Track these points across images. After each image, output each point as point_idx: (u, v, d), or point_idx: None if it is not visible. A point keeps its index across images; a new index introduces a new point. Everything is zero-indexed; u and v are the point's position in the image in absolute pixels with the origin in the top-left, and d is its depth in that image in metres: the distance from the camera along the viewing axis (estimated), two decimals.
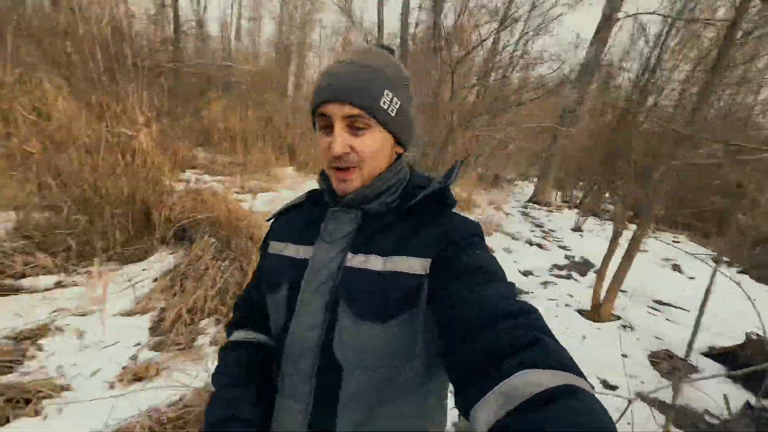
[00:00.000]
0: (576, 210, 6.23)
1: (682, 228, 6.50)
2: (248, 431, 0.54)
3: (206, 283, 2.05)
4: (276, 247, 0.61)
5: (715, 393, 2.01)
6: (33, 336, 1.60)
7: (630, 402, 1.12)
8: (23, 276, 2.04)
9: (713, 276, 1.10)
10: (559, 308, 2.91)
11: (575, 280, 3.69)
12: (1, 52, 2.84)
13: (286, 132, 6.86)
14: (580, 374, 0.32)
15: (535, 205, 7.32)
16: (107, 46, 2.69)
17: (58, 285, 2.06)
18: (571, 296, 3.12)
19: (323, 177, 0.60)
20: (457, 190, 5.28)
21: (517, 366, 0.33)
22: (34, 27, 3.58)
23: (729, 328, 2.84)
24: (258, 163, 5.23)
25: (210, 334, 1.88)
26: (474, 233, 0.53)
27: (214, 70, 7.38)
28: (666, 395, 2.12)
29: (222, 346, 0.64)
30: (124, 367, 1.56)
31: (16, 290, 1.95)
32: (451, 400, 0.50)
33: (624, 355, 2.38)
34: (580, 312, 2.87)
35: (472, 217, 3.82)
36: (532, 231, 5.31)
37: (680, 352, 2.52)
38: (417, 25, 10.34)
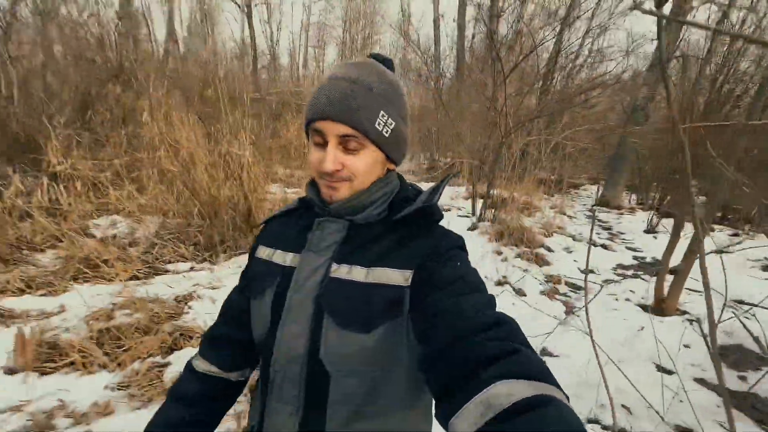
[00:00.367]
0: (652, 212, 5.91)
1: None
2: None
3: None
4: (264, 252, 0.63)
5: None
6: (184, 300, 2.24)
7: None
8: (169, 262, 2.76)
9: None
10: (618, 302, 2.97)
11: (643, 279, 3.63)
12: (152, 95, 3.82)
13: None
14: (555, 384, 0.34)
15: (604, 208, 7.03)
16: (216, 87, 3.48)
17: (191, 269, 2.75)
18: (633, 292, 3.13)
19: (312, 186, 0.61)
20: (515, 195, 5.40)
21: (494, 377, 0.34)
22: (172, 75, 4.66)
23: None
24: None
25: None
26: (455, 246, 0.55)
27: (287, 96, 8.42)
28: (733, 384, 2.13)
29: (189, 364, 0.67)
30: None
31: (166, 271, 2.66)
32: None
33: (686, 345, 2.40)
34: (642, 307, 2.89)
35: (530, 220, 3.99)
36: (598, 233, 5.20)
37: (754, 348, 2.45)
38: (474, 36, 10.63)
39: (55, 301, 1.99)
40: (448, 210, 5.45)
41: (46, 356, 1.56)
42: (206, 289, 2.41)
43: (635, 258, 4.30)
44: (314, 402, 0.54)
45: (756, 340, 1.38)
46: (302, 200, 0.66)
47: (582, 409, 1.80)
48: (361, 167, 0.54)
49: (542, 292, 3.02)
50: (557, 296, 3.03)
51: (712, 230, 5.25)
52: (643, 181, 7.41)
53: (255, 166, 3.11)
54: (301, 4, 13.92)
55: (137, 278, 2.38)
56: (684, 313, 2.80)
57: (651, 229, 5.39)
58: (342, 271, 0.54)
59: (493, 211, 4.82)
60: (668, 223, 5.70)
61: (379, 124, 0.52)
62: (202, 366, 0.65)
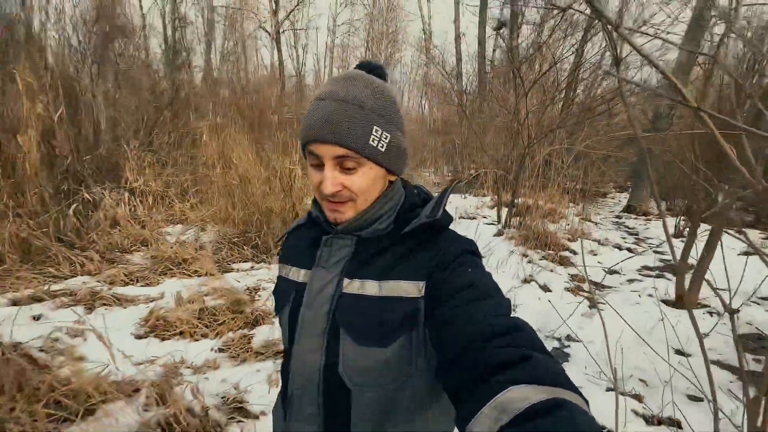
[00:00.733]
0: (679, 217, 6.01)
1: None
2: None
3: None
4: (283, 270, 0.65)
5: None
6: (253, 290, 2.67)
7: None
8: (233, 262, 3.23)
9: None
10: (641, 298, 3.19)
11: (667, 278, 3.81)
12: (206, 121, 4.42)
13: None
14: (571, 388, 0.34)
15: (631, 215, 7.13)
16: (268, 111, 4.01)
17: (252, 268, 3.20)
18: (656, 289, 3.34)
19: (317, 203, 0.61)
20: (540, 203, 5.66)
21: (508, 381, 0.34)
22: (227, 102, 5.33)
23: None
24: None
25: None
26: (466, 251, 0.55)
27: None
28: (754, 367, 2.33)
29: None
30: None
31: (232, 269, 3.13)
32: None
33: (705, 334, 2.60)
34: (664, 302, 3.10)
35: (555, 226, 4.27)
36: (623, 238, 5.35)
37: None
38: (494, 51, 11.05)
39: (155, 290, 2.46)
40: (474, 218, 5.75)
41: (162, 327, 2.01)
42: (268, 282, 2.84)
43: (661, 260, 4.46)
44: (336, 419, 0.55)
45: None
46: (310, 214, 0.66)
47: (601, 382, 2.07)
48: (361, 186, 0.54)
49: (567, 289, 3.29)
50: (581, 293, 3.28)
51: (740, 232, 5.29)
52: (667, 187, 7.49)
53: (303, 178, 3.58)
54: (326, 28, 14.76)
55: (212, 274, 2.85)
56: (704, 306, 2.99)
57: (678, 234, 5.50)
58: (354, 287, 0.55)
59: (518, 218, 5.10)
60: (702, 228, 5.77)
61: (373, 140, 0.52)
62: None
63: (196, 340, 1.97)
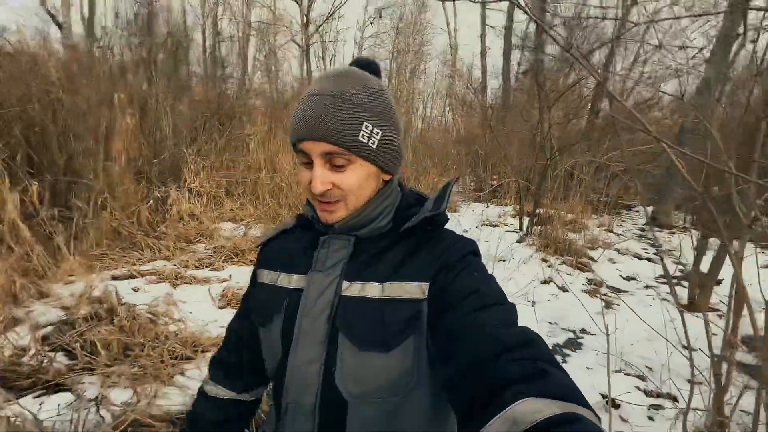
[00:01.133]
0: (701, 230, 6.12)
1: None
2: None
3: None
4: (268, 277, 0.62)
5: None
6: None
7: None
8: None
9: None
10: (655, 301, 3.45)
11: (683, 286, 4.03)
12: (250, 128, 4.97)
13: (403, 171, 8.46)
14: (584, 404, 0.33)
15: (655, 227, 7.26)
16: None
17: None
18: (669, 293, 3.58)
19: (310, 205, 0.60)
20: (561, 213, 5.92)
21: (520, 395, 0.34)
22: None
23: None
24: None
25: None
26: (469, 251, 0.55)
27: None
28: (748, 360, 2.57)
29: (201, 388, 0.71)
30: None
31: None
32: None
33: (714, 333, 2.85)
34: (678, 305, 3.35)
35: (575, 235, 4.58)
36: (644, 249, 5.55)
37: None
38: (519, 65, 11.40)
39: (223, 273, 2.94)
40: (496, 226, 6.07)
41: (236, 301, 2.47)
42: None
43: (681, 270, 4.65)
44: None
45: None
46: (300, 218, 0.66)
47: (613, 366, 2.38)
48: (351, 184, 0.53)
49: (584, 290, 3.58)
50: (598, 295, 3.56)
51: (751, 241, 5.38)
52: (688, 201, 7.59)
53: None
54: (353, 40, 15.46)
55: None
56: (715, 310, 3.23)
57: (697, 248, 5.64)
58: (354, 289, 0.53)
59: (539, 227, 5.39)
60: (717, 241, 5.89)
61: (363, 136, 0.51)
62: (214, 390, 0.68)
63: None
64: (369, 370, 0.51)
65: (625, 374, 2.26)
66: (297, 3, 16.09)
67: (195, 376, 1.76)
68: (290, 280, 0.59)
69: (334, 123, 0.50)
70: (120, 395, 1.59)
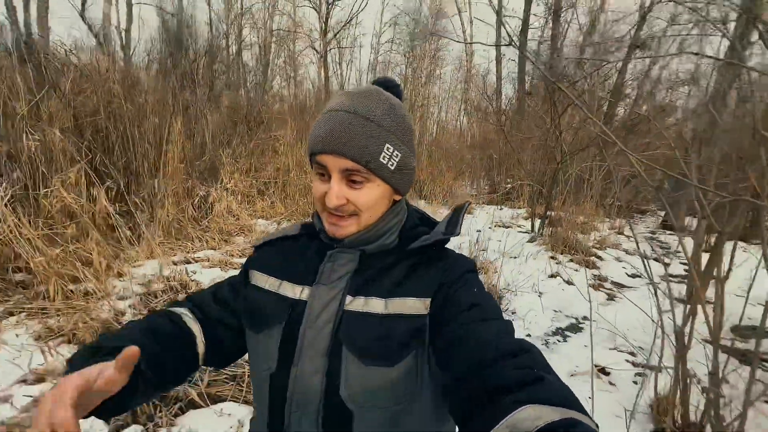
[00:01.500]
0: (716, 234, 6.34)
1: None
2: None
3: None
4: (266, 282, 0.62)
5: None
6: None
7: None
8: None
9: None
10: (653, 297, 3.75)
11: (686, 283, 4.31)
12: (277, 133, 5.46)
13: (417, 172, 8.86)
14: (581, 410, 0.35)
15: (666, 231, 7.47)
16: None
17: None
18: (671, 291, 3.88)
19: (318, 217, 0.61)
20: (571, 215, 6.23)
21: (519, 402, 0.35)
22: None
23: None
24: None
25: None
26: (468, 270, 0.58)
27: None
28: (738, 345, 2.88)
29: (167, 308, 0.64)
30: None
31: None
32: None
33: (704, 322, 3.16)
34: (678, 300, 3.66)
35: (585, 236, 4.92)
36: (653, 251, 5.81)
37: None
38: (533, 72, 11.68)
39: None
40: (509, 227, 6.40)
41: None
42: None
43: (686, 270, 4.92)
44: None
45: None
46: (305, 227, 0.67)
47: (609, 344, 2.72)
48: (367, 202, 0.55)
49: (588, 284, 3.90)
50: (602, 289, 3.89)
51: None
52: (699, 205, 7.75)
53: None
54: (369, 45, 15.97)
55: None
56: (711, 303, 3.52)
57: (709, 249, 5.88)
58: (358, 304, 0.55)
59: (550, 229, 5.71)
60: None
61: (384, 157, 0.53)
62: (183, 313, 0.63)
63: None
64: (373, 382, 0.53)
65: (618, 351, 2.61)
66: (316, 10, 16.77)
67: None
68: (294, 291, 0.59)
69: (358, 141, 0.52)
70: None
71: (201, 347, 0.61)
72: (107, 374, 0.41)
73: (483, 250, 4.27)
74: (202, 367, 0.64)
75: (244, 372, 1.87)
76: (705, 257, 2.47)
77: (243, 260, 3.45)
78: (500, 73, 11.37)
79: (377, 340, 0.53)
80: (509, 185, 8.79)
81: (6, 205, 2.33)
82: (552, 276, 3.99)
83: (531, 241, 5.42)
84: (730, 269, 1.93)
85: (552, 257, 4.62)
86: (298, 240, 0.66)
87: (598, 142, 6.49)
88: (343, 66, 18.48)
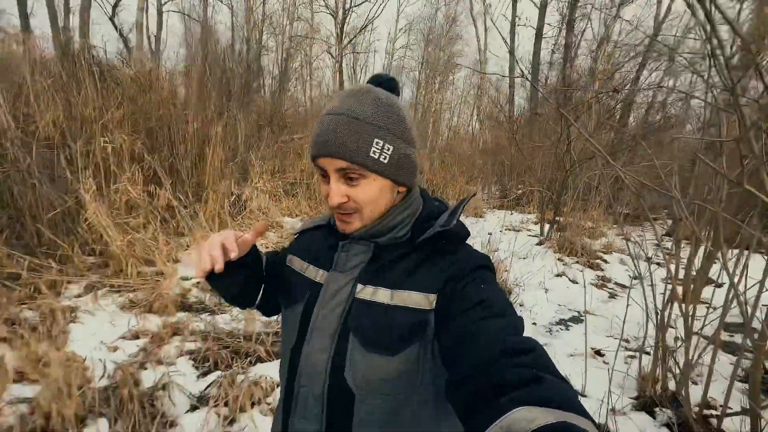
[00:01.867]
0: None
1: None
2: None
3: None
4: (298, 264, 0.70)
5: None
6: None
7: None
8: None
9: None
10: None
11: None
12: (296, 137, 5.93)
13: (431, 176, 9.26)
14: (580, 412, 0.35)
15: (672, 238, 7.75)
16: None
17: None
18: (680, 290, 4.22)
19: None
20: (580, 222, 6.56)
21: (515, 403, 0.36)
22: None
23: None
24: None
25: None
26: (480, 266, 0.59)
27: None
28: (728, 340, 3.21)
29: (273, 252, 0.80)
30: None
31: None
32: None
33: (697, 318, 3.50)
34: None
35: (591, 241, 5.28)
36: (658, 255, 6.12)
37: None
38: (547, 79, 12.04)
39: None
40: (519, 231, 6.76)
41: None
42: None
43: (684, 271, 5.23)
44: (338, 421, 0.58)
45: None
46: (331, 217, 0.70)
47: (607, 332, 3.08)
48: (365, 197, 0.58)
49: (592, 284, 4.26)
50: (605, 288, 4.24)
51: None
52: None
53: None
54: (384, 51, 16.48)
55: None
56: (704, 303, 3.85)
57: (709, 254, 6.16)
58: (367, 293, 0.59)
59: (559, 233, 6.06)
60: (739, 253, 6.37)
61: (374, 152, 0.56)
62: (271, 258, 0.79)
63: None
64: (375, 369, 0.56)
65: (614, 338, 2.97)
66: (333, 16, 17.35)
67: None
68: (316, 274, 0.65)
69: (346, 141, 0.54)
70: None
71: (260, 295, 0.77)
72: (245, 238, 0.63)
73: (494, 250, 4.64)
74: (254, 308, 0.78)
75: None
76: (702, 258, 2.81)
77: None
78: (513, 81, 11.74)
79: (380, 329, 0.56)
80: (520, 191, 9.14)
81: (89, 196, 2.80)
82: (558, 275, 4.35)
83: (539, 244, 5.78)
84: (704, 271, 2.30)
85: (559, 259, 4.97)
86: (325, 229, 0.72)
87: (610, 150, 6.83)
88: (358, 71, 19.02)
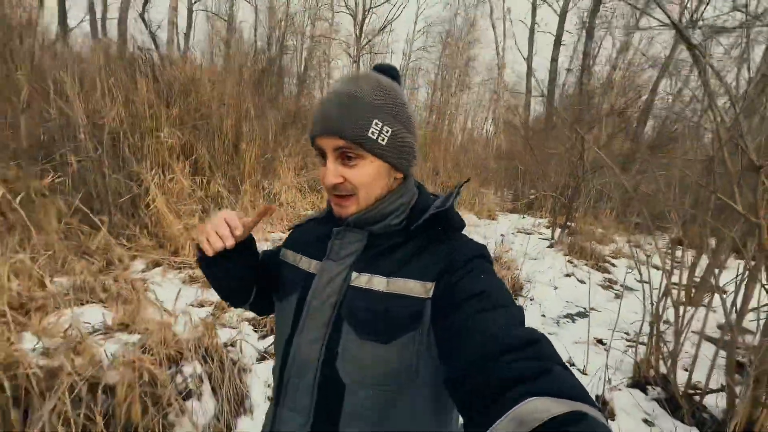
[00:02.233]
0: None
1: None
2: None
3: None
4: (291, 257, 0.70)
5: None
6: None
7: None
8: None
9: None
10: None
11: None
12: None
13: (445, 178, 9.62)
14: (589, 402, 0.35)
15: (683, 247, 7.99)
16: None
17: None
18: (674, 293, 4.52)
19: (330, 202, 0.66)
20: (591, 227, 6.85)
21: (526, 394, 0.35)
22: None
23: None
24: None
25: None
26: (476, 255, 0.59)
27: None
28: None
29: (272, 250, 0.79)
30: None
31: None
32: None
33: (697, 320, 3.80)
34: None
35: (601, 246, 5.61)
36: (667, 261, 6.39)
37: None
38: (564, 85, 12.32)
39: None
40: (531, 234, 7.08)
41: None
42: None
43: (696, 277, 5.51)
44: (327, 414, 0.58)
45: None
46: (330, 208, 0.70)
47: (610, 325, 3.42)
48: (361, 179, 0.58)
49: (599, 284, 4.58)
50: (611, 289, 4.56)
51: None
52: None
53: None
54: (401, 52, 16.89)
55: None
56: (705, 306, 4.16)
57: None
58: (362, 281, 0.59)
59: (570, 238, 6.37)
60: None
61: (372, 132, 0.56)
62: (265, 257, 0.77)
63: None
64: (368, 358, 0.56)
65: (616, 331, 3.31)
66: (352, 16, 17.79)
67: None
68: (309, 265, 0.66)
69: (345, 119, 0.56)
70: None
71: (254, 294, 0.75)
72: (245, 220, 0.63)
73: (507, 250, 4.99)
74: (247, 307, 0.78)
75: None
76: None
77: None
78: (530, 86, 12.03)
79: (375, 316, 0.56)
80: (533, 195, 9.45)
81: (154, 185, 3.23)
82: (567, 275, 4.68)
83: (550, 246, 6.10)
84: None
85: (569, 261, 5.30)
86: (321, 222, 0.72)
87: (624, 158, 7.12)
88: None
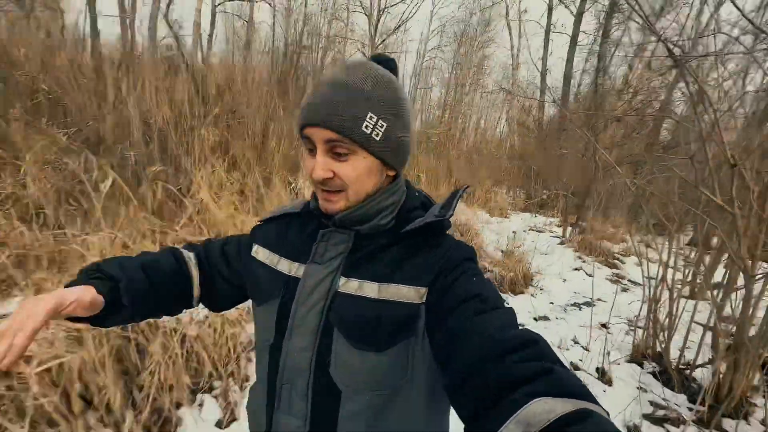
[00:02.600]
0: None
1: None
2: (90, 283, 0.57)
3: None
4: (266, 257, 0.67)
5: None
6: None
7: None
8: None
9: None
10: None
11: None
12: None
13: (460, 176, 9.94)
14: (592, 400, 0.36)
15: (695, 247, 8.19)
16: None
17: None
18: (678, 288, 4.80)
19: (316, 197, 0.63)
20: (602, 226, 7.11)
21: (530, 395, 0.36)
22: None
23: None
24: (445, 194, 8.35)
25: None
26: (466, 258, 0.59)
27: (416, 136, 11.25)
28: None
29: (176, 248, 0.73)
30: None
31: None
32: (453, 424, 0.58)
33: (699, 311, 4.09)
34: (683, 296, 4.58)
35: (611, 244, 5.92)
36: (665, 255, 6.64)
37: None
38: (579, 85, 12.51)
39: None
40: (542, 232, 7.36)
41: None
42: None
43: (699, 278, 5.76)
44: (323, 418, 0.58)
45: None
46: (306, 205, 0.68)
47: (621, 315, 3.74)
48: (352, 174, 0.56)
49: (608, 279, 4.88)
50: (618, 284, 4.86)
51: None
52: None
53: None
54: (416, 51, 17.22)
55: None
56: (706, 300, 4.43)
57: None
58: (351, 287, 0.57)
59: (581, 236, 6.65)
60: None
61: (366, 127, 0.54)
62: (189, 258, 0.71)
63: None
64: (362, 365, 0.56)
65: (620, 318, 3.63)
66: (367, 16, 18.18)
67: None
68: (291, 268, 0.63)
69: (337, 110, 0.53)
70: None
71: (196, 290, 0.71)
72: (83, 302, 0.53)
73: (518, 246, 5.30)
74: (201, 306, 0.75)
75: None
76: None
77: None
78: (544, 87, 12.26)
79: (367, 324, 0.56)
80: (545, 195, 9.71)
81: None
82: (576, 269, 4.99)
83: (561, 243, 6.40)
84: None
85: (578, 257, 5.59)
86: (299, 217, 0.69)
87: (636, 159, 7.35)
88: None
